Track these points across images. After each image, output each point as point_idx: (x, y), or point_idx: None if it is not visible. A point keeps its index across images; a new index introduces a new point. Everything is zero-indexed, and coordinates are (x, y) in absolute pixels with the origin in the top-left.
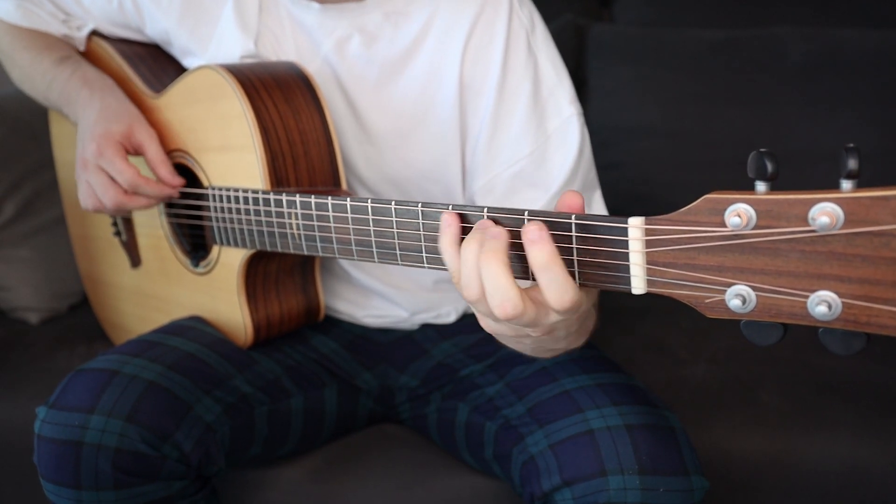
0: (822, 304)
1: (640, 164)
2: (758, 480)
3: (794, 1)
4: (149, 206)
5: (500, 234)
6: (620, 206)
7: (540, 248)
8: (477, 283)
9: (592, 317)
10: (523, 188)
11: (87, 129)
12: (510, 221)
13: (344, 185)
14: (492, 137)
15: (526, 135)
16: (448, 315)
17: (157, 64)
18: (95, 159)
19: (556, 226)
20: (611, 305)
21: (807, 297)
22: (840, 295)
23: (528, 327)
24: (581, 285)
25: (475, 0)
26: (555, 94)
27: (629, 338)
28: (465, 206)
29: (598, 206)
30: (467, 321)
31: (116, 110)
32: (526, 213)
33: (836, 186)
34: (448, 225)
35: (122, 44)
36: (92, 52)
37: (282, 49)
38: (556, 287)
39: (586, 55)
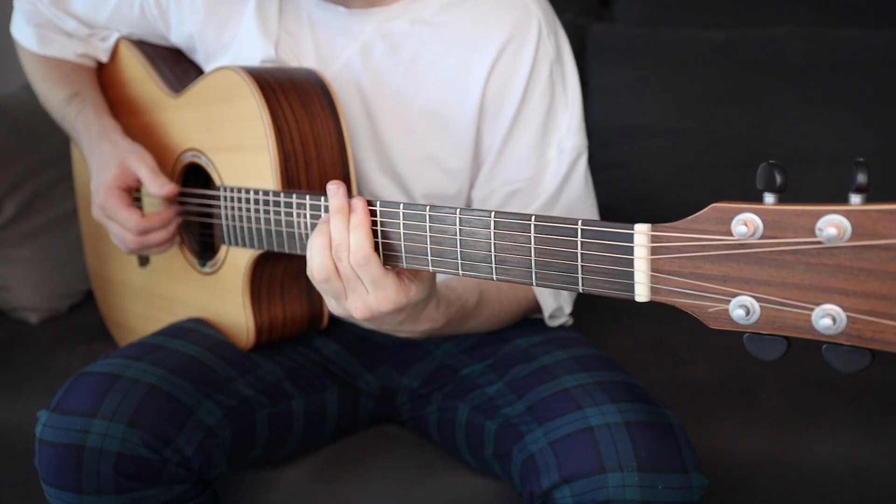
0: (827, 317)
1: (640, 164)
2: (758, 480)
3: (794, 1)
4: (170, 236)
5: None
6: (620, 206)
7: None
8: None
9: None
10: (512, 205)
11: (93, 179)
12: (516, 226)
13: (355, 192)
14: (499, 157)
15: (529, 160)
16: None
17: (179, 66)
18: (104, 212)
19: (562, 231)
20: (611, 305)
21: (811, 309)
22: (845, 309)
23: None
24: (584, 291)
25: (506, 25)
26: (562, 125)
27: (629, 338)
28: (472, 210)
29: None
30: None
31: (108, 157)
32: (533, 217)
33: (836, 185)
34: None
35: (145, 44)
36: (116, 53)
37: (301, 52)
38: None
39: (586, 55)
